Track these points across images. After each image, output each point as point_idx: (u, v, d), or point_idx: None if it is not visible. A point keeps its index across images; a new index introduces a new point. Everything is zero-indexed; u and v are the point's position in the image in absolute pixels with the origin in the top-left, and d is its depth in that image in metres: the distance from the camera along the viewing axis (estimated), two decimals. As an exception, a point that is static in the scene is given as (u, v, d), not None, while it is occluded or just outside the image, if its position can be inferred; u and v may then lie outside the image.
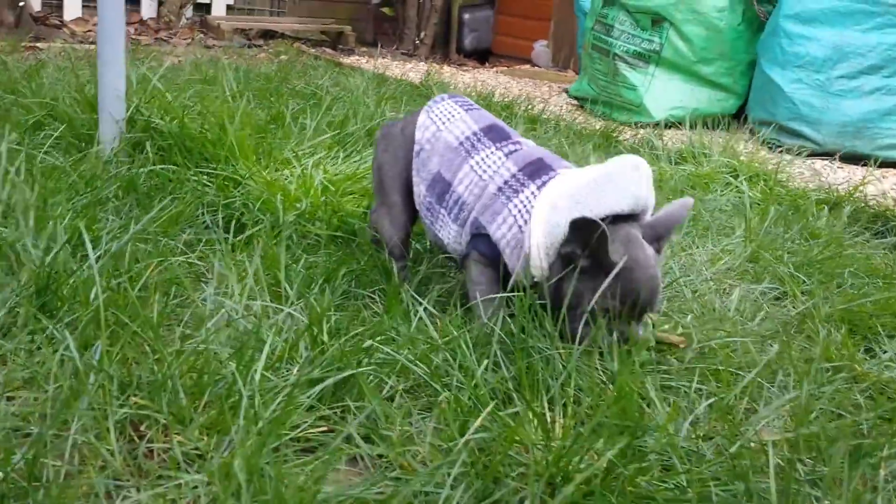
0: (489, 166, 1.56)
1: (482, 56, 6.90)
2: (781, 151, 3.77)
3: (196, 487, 1.02)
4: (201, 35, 5.74)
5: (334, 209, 2.00)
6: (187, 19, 5.98)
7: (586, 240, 1.35)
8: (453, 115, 1.67)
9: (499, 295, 1.50)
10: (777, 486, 1.04)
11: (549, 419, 1.25)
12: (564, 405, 1.28)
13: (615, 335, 1.37)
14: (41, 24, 5.38)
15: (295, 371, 1.25)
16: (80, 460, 1.05)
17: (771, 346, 1.62)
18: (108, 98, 2.11)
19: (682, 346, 1.49)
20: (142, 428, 1.13)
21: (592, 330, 1.38)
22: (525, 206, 1.47)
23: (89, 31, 5.55)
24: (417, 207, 1.69)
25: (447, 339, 1.34)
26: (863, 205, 2.74)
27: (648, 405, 1.33)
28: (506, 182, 1.51)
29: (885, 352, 1.75)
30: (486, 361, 1.26)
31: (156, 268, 1.58)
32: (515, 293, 1.41)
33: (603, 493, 1.02)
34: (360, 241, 1.89)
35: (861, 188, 2.86)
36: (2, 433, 1.05)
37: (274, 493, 0.95)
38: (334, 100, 3.49)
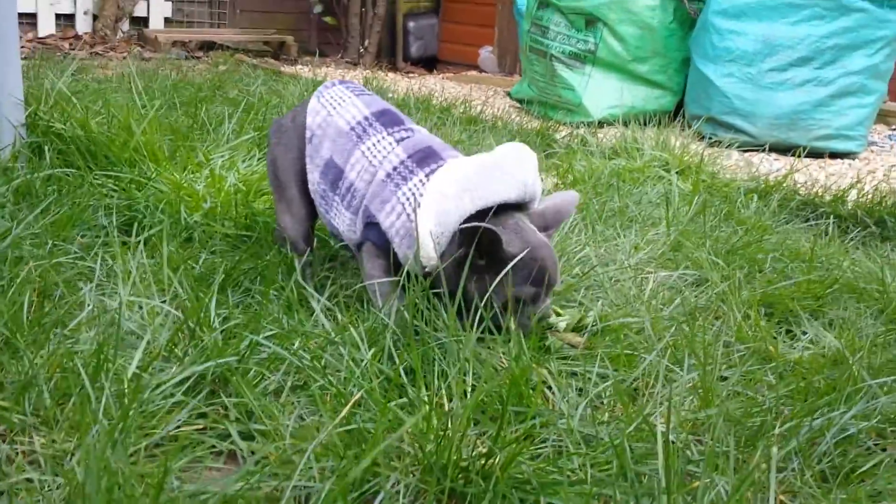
0: (379, 152, 1.51)
1: (429, 63, 6.88)
2: (717, 144, 3.79)
3: (52, 489, 0.95)
4: (138, 48, 5.63)
5: (245, 208, 1.94)
6: (123, 33, 5.87)
7: (480, 246, 1.33)
8: (344, 100, 1.62)
9: (391, 280, 1.45)
10: (667, 468, 0.99)
11: (445, 408, 1.20)
12: (464, 393, 1.23)
13: (534, 317, 1.38)
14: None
15: (174, 368, 1.18)
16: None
17: (683, 328, 1.58)
18: (5, 103, 2.02)
19: (579, 347, 1.44)
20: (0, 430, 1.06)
21: (508, 318, 1.36)
22: (413, 194, 1.44)
23: (22, 46, 5.40)
24: (312, 196, 1.63)
25: (339, 331, 1.28)
26: (792, 193, 2.74)
27: (549, 389, 1.28)
28: (394, 168, 1.47)
29: (805, 333, 1.73)
30: (372, 352, 1.20)
31: (44, 270, 1.50)
32: (408, 282, 1.37)
33: (482, 480, 0.96)
34: (270, 239, 1.83)
35: (790, 177, 2.87)
36: None
37: (126, 492, 0.88)
38: (264, 105, 3.43)
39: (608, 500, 1.02)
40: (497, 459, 0.98)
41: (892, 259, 2.23)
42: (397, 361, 1.22)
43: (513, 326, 1.34)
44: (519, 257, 1.33)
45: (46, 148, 2.01)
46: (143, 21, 5.98)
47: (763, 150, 3.67)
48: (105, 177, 1.99)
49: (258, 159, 2.30)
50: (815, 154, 3.63)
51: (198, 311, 1.21)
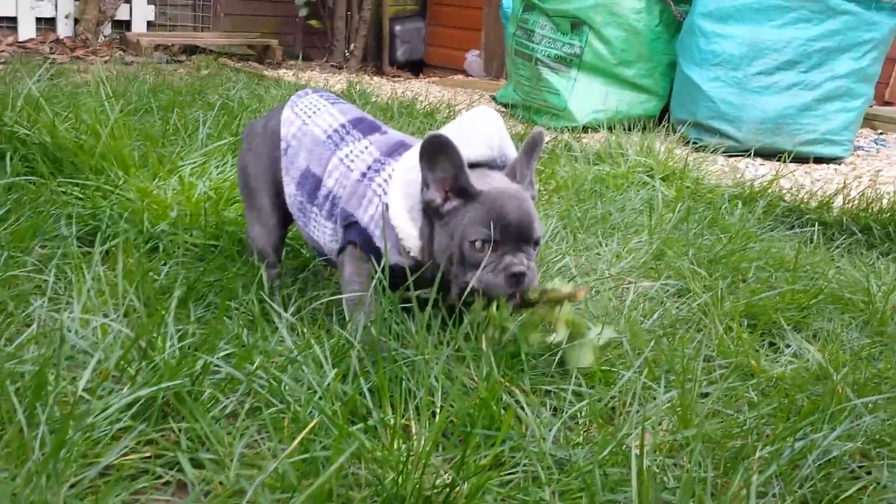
0: (357, 156, 1.47)
1: (416, 67, 6.82)
2: (702, 149, 3.75)
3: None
4: (120, 52, 5.55)
5: (215, 216, 1.87)
6: (105, 37, 5.78)
7: (440, 165, 1.27)
8: (318, 109, 1.57)
9: (367, 288, 1.39)
10: (640, 497, 0.94)
11: (413, 430, 1.14)
12: (433, 414, 1.17)
13: (503, 272, 1.27)
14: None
15: (125, 390, 1.12)
16: None
17: (663, 342, 1.53)
18: (-34, 108, 1.96)
19: (578, 296, 1.36)
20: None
21: (477, 276, 1.27)
22: (387, 183, 1.41)
23: (2, 50, 5.33)
24: (290, 209, 1.58)
25: (301, 349, 1.22)
26: (777, 199, 2.70)
27: (523, 409, 1.23)
28: (369, 167, 1.44)
29: (789, 346, 1.68)
30: (335, 372, 1.14)
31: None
32: (391, 287, 1.31)
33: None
34: (239, 249, 1.77)
35: (776, 182, 2.83)
36: None
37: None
38: (243, 109, 3.37)
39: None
40: (461, 489, 0.93)
41: (877, 267, 2.19)
42: (362, 381, 1.17)
43: (495, 277, 1.26)
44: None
45: (9, 154, 1.94)
46: (126, 24, 5.89)
47: (748, 155, 3.63)
48: (70, 184, 1.93)
49: (231, 165, 2.23)
50: (801, 159, 3.59)
51: (150, 329, 1.15)
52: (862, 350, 1.66)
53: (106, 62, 5.25)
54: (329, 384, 1.11)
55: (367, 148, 1.48)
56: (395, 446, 1.00)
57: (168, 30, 6.09)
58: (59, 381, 1.05)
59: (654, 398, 1.30)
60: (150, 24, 6.00)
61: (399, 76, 6.39)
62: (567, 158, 3.04)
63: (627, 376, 1.26)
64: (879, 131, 4.51)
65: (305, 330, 1.34)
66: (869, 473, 1.16)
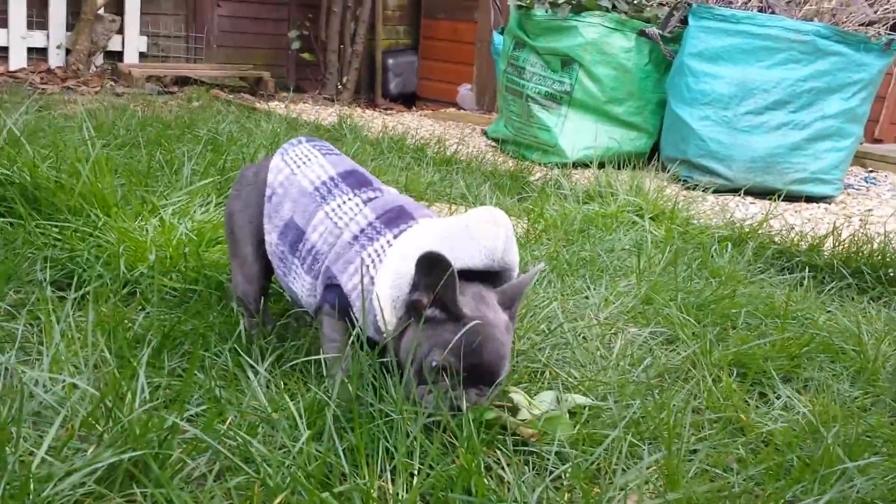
0: (345, 213, 1.43)
1: (408, 100, 6.84)
2: (693, 188, 3.74)
3: None
4: (111, 83, 5.54)
5: (195, 260, 1.84)
6: (97, 67, 5.78)
7: (433, 281, 1.22)
8: (310, 159, 1.54)
9: (345, 346, 1.35)
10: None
11: (389, 491, 1.10)
12: (410, 475, 1.13)
13: (449, 400, 1.21)
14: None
15: (90, 451, 1.08)
16: None
17: (651, 397, 1.50)
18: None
19: (533, 439, 1.31)
20: None
21: (433, 389, 1.22)
22: (379, 255, 1.35)
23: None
24: (270, 257, 1.55)
25: (275, 407, 1.18)
26: (767, 240, 2.68)
27: (504, 469, 1.19)
28: (362, 230, 1.39)
29: (779, 397, 1.65)
30: (309, 433, 1.10)
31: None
32: (365, 349, 1.27)
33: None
34: (219, 294, 1.73)
35: (765, 223, 2.81)
36: None
37: None
38: (233, 143, 3.35)
39: None
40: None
41: (868, 313, 2.16)
42: (337, 442, 1.12)
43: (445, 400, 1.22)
44: (467, 327, 1.22)
45: (-14, 195, 1.91)
46: (118, 55, 5.90)
47: (739, 194, 3.62)
48: (48, 226, 1.89)
49: (216, 205, 2.20)
50: (792, 198, 3.58)
51: (118, 387, 1.11)
52: (854, 402, 1.63)
53: (97, 93, 5.25)
54: (303, 446, 1.07)
55: (358, 207, 1.43)
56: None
57: (161, 61, 6.10)
58: (20, 442, 1.00)
59: (641, 457, 1.26)
60: (142, 55, 6.01)
61: (391, 109, 6.40)
62: (557, 196, 3.02)
63: (613, 435, 1.22)
64: (870, 169, 4.53)
65: (280, 385, 1.30)
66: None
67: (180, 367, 1.43)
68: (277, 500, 0.93)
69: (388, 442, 1.16)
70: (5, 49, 5.53)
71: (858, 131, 3.77)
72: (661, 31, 3.96)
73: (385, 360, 1.28)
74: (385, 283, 1.29)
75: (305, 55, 6.36)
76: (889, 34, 3.63)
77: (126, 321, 1.53)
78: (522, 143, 4.27)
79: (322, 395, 1.18)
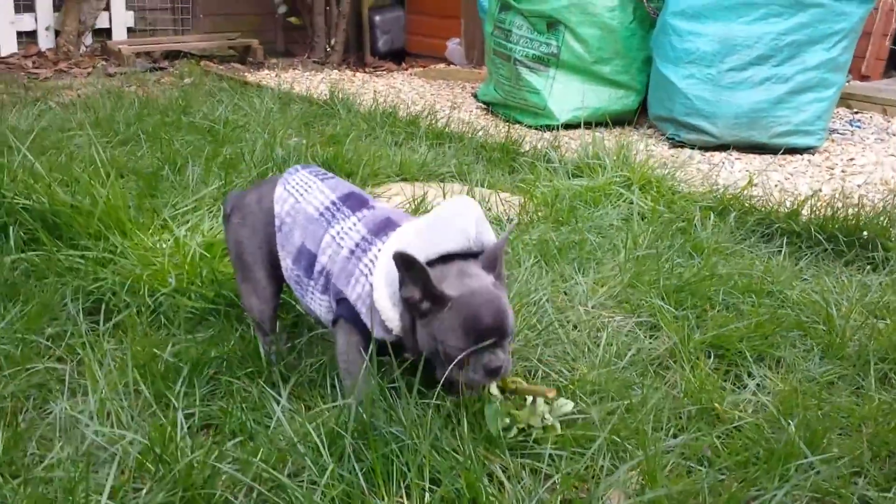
0: (346, 233, 1.58)
1: (398, 57, 6.85)
2: (680, 146, 3.85)
3: None
4: (103, 63, 5.58)
5: (210, 275, 1.98)
6: (87, 47, 5.81)
7: (412, 274, 1.38)
8: (310, 186, 1.67)
9: (361, 360, 1.51)
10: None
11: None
12: (423, 490, 1.30)
13: (482, 369, 1.39)
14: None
15: (143, 491, 1.24)
16: None
17: (635, 390, 1.66)
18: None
19: (549, 395, 1.50)
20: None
21: (458, 372, 1.40)
22: (373, 263, 1.51)
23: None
24: (287, 280, 1.69)
25: (300, 436, 1.35)
26: (749, 207, 2.81)
27: (508, 478, 1.36)
28: (357, 245, 1.55)
29: (753, 377, 1.81)
30: (331, 467, 1.26)
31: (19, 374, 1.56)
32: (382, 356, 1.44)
33: None
34: (237, 312, 1.88)
35: (746, 190, 2.93)
36: None
37: None
38: (230, 128, 3.46)
39: None
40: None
41: (842, 280, 2.30)
42: (356, 466, 1.29)
43: (474, 377, 1.40)
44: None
45: (11, 229, 2.04)
46: (106, 32, 5.91)
47: (725, 150, 3.73)
48: (73, 255, 2.02)
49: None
50: (776, 150, 3.68)
51: (163, 435, 1.27)
52: (823, 377, 1.79)
53: (89, 74, 5.30)
54: (327, 478, 1.24)
55: (354, 225, 1.58)
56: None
57: (149, 34, 6.11)
58: (88, 485, 1.17)
59: (626, 456, 1.43)
60: (130, 31, 6.02)
61: (381, 66, 6.42)
62: (546, 170, 3.13)
63: (600, 441, 1.39)
64: (855, 111, 4.60)
65: (302, 410, 1.45)
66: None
67: (209, 393, 1.59)
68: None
69: (400, 462, 1.33)
70: (-5, 35, 5.55)
71: (841, 80, 3.84)
72: (644, -11, 3.99)
73: (406, 357, 1.43)
74: (380, 282, 1.45)
75: (292, 19, 6.36)
76: (868, -19, 3.67)
77: (155, 350, 1.68)
78: (513, 107, 4.35)
79: (339, 428, 1.34)
